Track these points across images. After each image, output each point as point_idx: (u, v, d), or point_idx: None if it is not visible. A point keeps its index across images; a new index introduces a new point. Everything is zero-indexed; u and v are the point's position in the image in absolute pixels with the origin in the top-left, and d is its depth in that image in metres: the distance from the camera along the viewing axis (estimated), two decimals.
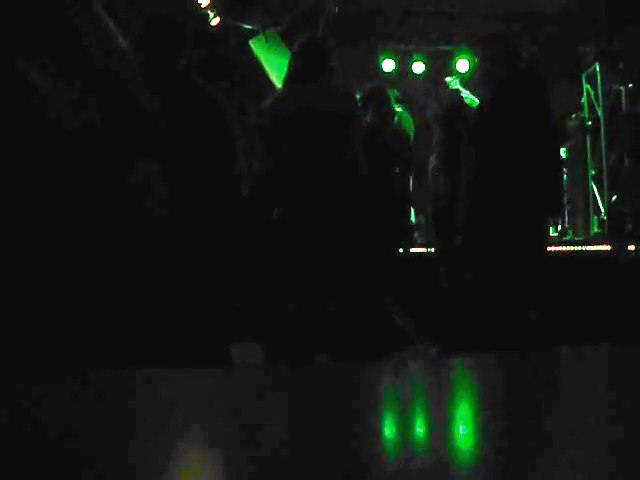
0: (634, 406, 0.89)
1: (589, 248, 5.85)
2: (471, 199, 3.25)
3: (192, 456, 0.75)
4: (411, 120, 5.14)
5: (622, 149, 7.09)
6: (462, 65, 7.47)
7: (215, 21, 6.14)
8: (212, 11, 6.08)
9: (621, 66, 7.15)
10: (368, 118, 4.09)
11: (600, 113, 7.34)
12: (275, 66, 6.00)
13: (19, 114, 1.27)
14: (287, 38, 6.09)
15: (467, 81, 5.89)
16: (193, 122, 2.52)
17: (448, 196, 3.81)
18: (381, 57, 7.74)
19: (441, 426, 0.87)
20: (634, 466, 0.63)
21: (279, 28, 6.48)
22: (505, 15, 6.89)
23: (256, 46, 6.41)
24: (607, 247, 5.85)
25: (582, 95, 7.59)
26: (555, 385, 1.14)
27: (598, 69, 7.31)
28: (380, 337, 3.46)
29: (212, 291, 2.59)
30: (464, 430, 0.85)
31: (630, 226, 6.61)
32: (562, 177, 4.72)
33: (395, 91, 4.89)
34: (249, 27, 6.49)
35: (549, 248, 3.90)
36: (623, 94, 7.19)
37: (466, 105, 4.59)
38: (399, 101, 5.03)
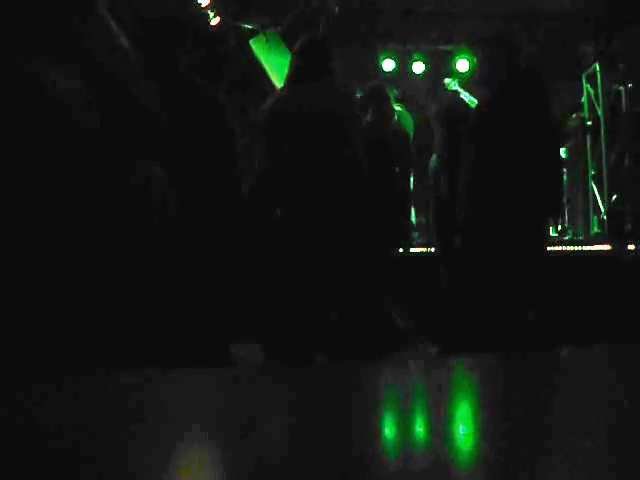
0: (634, 406, 0.89)
1: (589, 248, 5.85)
2: (470, 199, 3.26)
3: (192, 456, 0.75)
4: (411, 119, 5.15)
5: (622, 149, 7.10)
6: (462, 65, 7.48)
7: (215, 21, 6.14)
8: (212, 11, 6.08)
9: (621, 66, 7.16)
10: (368, 117, 4.10)
11: (600, 113, 7.34)
12: (275, 66, 6.00)
13: (25, 113, 1.27)
14: (287, 38, 6.09)
15: (465, 82, 5.91)
16: (193, 122, 2.52)
17: (449, 196, 3.81)
18: (381, 57, 7.75)
19: (441, 426, 0.87)
20: (634, 466, 0.63)
21: (279, 28, 6.48)
22: (505, 15, 6.89)
23: (256, 46, 6.41)
24: (607, 247, 5.85)
25: (582, 95, 7.60)
26: (555, 385, 1.14)
27: (598, 69, 7.32)
28: (380, 337, 3.45)
29: (212, 291, 2.59)
30: (464, 430, 0.85)
31: (630, 226, 6.62)
32: (562, 177, 4.73)
33: (395, 90, 4.90)
34: (249, 27, 6.49)
35: (549, 248, 3.90)
36: (623, 94, 7.20)
37: (467, 105, 4.60)
38: (399, 100, 5.04)
